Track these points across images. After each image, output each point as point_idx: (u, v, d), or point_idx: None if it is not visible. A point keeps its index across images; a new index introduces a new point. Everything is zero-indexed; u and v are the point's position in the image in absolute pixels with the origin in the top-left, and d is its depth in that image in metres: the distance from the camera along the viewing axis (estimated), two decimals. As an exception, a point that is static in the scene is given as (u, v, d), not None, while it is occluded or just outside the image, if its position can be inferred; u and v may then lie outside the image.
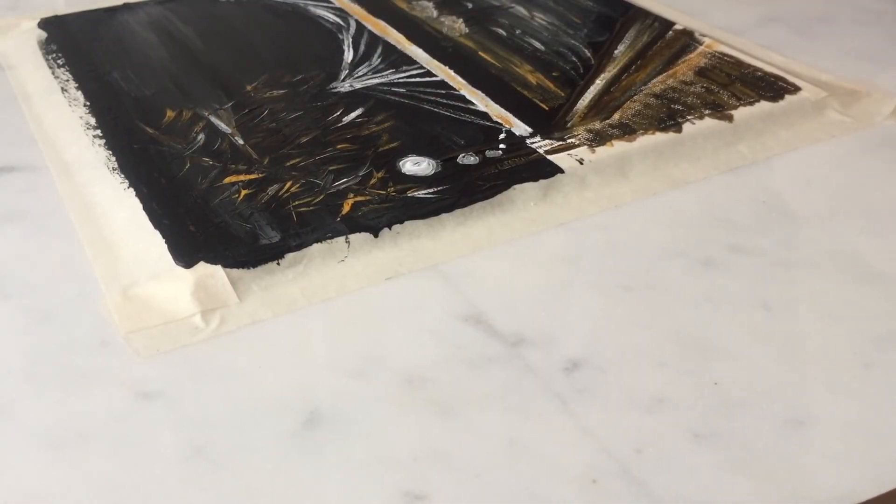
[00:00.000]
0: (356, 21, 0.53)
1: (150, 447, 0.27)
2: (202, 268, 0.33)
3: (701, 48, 0.48)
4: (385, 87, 0.45)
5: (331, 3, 0.55)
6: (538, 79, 0.46)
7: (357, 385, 0.29)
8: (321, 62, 0.48)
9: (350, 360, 0.29)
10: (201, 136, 0.41)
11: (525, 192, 0.37)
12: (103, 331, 0.31)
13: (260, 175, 0.38)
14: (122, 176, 0.39)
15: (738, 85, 0.44)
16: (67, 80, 0.47)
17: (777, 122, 0.42)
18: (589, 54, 0.48)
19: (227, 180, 0.38)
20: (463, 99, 0.44)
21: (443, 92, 0.45)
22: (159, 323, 0.31)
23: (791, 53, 0.48)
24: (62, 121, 0.43)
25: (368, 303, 0.32)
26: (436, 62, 0.48)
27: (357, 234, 0.34)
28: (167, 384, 0.29)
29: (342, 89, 0.45)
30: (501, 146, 0.40)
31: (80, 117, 0.43)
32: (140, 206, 0.37)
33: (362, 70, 0.47)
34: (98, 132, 0.42)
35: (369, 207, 0.36)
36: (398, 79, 0.46)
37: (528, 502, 0.25)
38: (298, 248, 0.34)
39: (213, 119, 0.43)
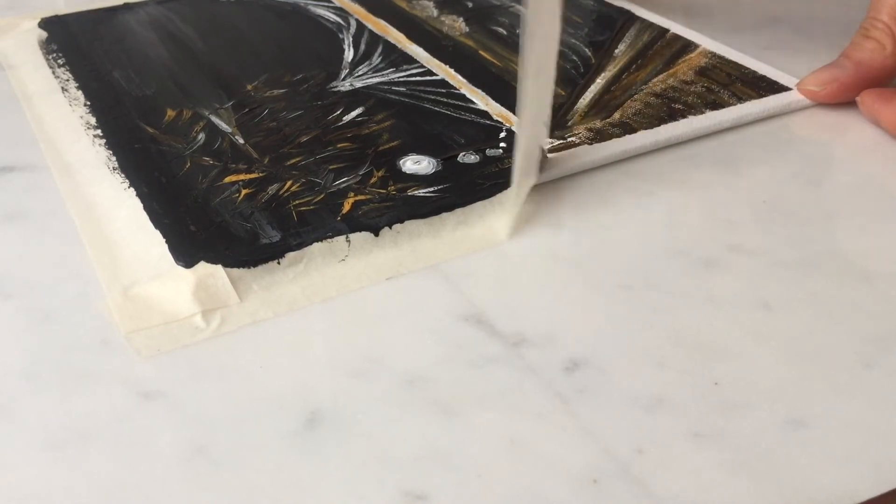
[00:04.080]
0: (356, 20, 0.53)
1: (151, 447, 0.27)
2: (203, 267, 0.33)
3: (701, 48, 0.48)
4: (385, 86, 0.45)
5: (331, 2, 0.55)
6: (538, 78, 0.46)
7: (358, 385, 0.29)
8: (321, 61, 0.48)
9: (351, 360, 0.30)
10: (202, 136, 0.41)
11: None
12: (104, 331, 0.31)
13: (260, 174, 0.38)
14: (123, 175, 0.39)
15: (738, 85, 0.44)
16: (68, 80, 0.47)
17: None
18: (589, 53, 0.48)
19: (227, 180, 0.38)
20: (463, 98, 0.44)
21: (443, 91, 0.45)
22: (160, 323, 0.31)
23: (791, 53, 0.48)
24: (63, 120, 0.43)
25: (369, 302, 0.32)
26: (436, 61, 0.48)
27: (357, 234, 0.34)
28: (168, 384, 0.29)
29: (342, 88, 0.45)
30: (502, 145, 0.40)
31: (81, 117, 0.43)
32: (140, 205, 0.37)
33: (363, 69, 0.47)
34: (98, 132, 0.42)
35: (370, 206, 0.36)
36: (398, 78, 0.46)
37: (528, 502, 0.25)
38: (299, 247, 0.34)
39: (214, 118, 0.43)
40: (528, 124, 0.35)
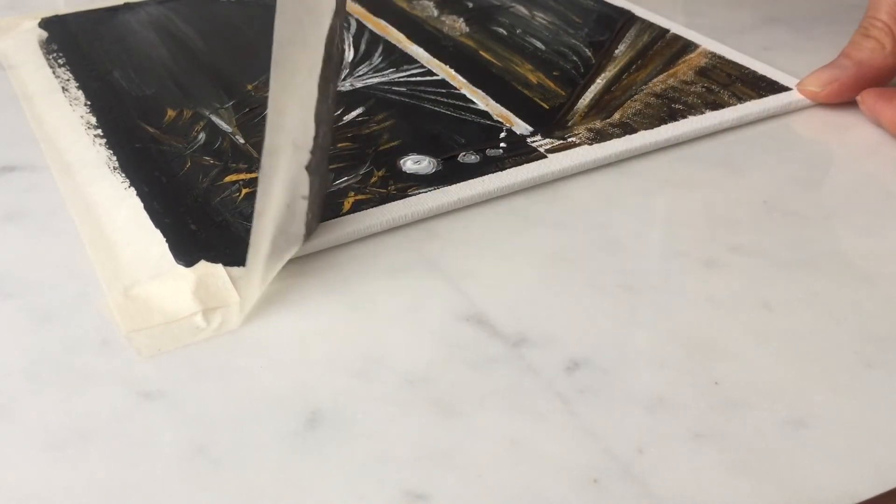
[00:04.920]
0: (357, 20, 0.53)
1: (152, 447, 0.27)
2: (203, 267, 0.33)
3: (701, 48, 0.48)
4: (386, 87, 0.45)
5: (331, 2, 0.55)
6: (539, 78, 0.46)
7: (358, 385, 0.29)
8: (322, 61, 0.48)
9: (351, 360, 0.29)
10: (202, 136, 0.41)
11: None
12: (104, 330, 0.31)
13: (261, 174, 0.38)
14: (123, 175, 0.39)
15: (738, 85, 0.44)
16: (68, 80, 0.47)
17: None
18: (589, 53, 0.48)
19: (227, 179, 0.38)
20: (463, 98, 0.44)
21: (443, 91, 0.45)
22: (161, 322, 0.31)
23: (791, 53, 0.48)
24: (63, 120, 0.43)
25: (369, 302, 0.32)
26: (436, 61, 0.48)
27: (358, 234, 0.34)
28: (168, 384, 0.29)
29: (343, 88, 0.45)
30: (502, 145, 0.40)
31: (81, 117, 0.43)
32: (141, 205, 0.37)
33: (363, 69, 0.47)
34: (99, 131, 0.42)
35: (370, 206, 0.36)
36: (399, 78, 0.46)
37: (528, 502, 0.25)
38: (299, 247, 0.34)
39: (214, 118, 0.43)
40: (279, 197, 0.30)
